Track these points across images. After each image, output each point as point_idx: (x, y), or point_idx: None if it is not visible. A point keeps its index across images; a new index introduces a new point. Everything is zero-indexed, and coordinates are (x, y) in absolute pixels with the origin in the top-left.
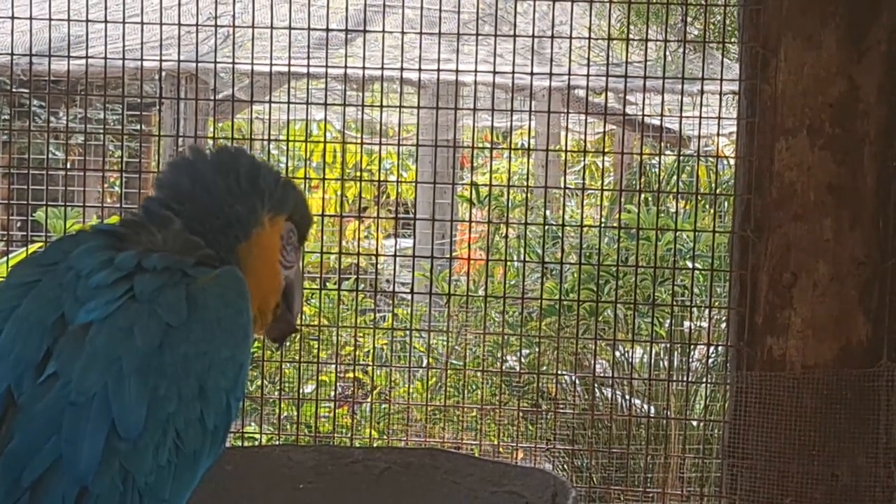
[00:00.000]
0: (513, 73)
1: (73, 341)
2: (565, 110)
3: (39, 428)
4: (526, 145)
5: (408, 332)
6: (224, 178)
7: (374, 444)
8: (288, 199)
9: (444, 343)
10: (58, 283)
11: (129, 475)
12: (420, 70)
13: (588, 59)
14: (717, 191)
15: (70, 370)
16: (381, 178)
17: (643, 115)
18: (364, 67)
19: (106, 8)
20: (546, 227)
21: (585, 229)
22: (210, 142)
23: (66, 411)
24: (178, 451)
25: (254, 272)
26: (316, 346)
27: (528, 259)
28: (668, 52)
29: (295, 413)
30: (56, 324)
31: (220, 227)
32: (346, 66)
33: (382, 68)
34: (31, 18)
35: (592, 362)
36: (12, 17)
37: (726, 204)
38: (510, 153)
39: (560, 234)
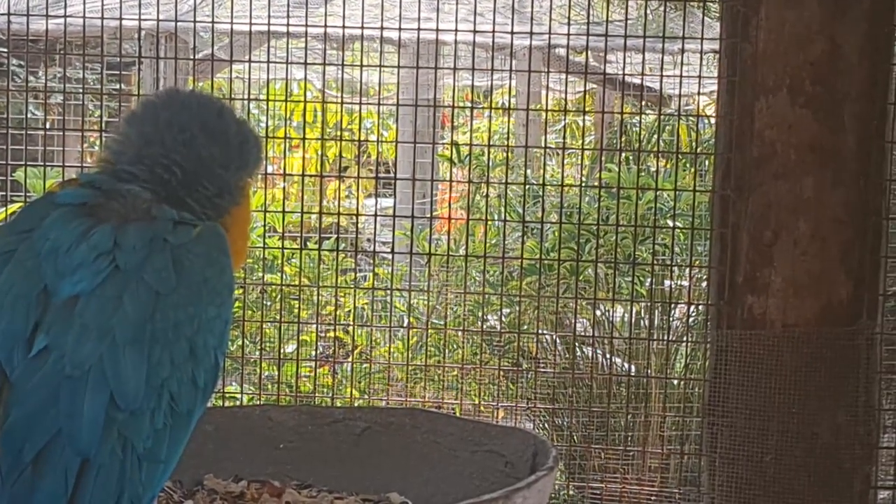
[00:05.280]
0: (493, 32)
1: (62, 314)
2: (546, 69)
3: (36, 402)
4: (507, 104)
5: (389, 292)
6: (215, 146)
7: (355, 404)
8: (260, 163)
9: (425, 302)
10: (35, 253)
11: (129, 442)
12: (400, 29)
13: (569, 18)
14: (698, 150)
15: (63, 343)
16: (362, 138)
17: (624, 75)
18: (344, 27)
19: None
20: (527, 187)
21: (566, 188)
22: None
23: (62, 385)
24: (173, 413)
25: (234, 236)
26: (297, 305)
27: (508, 218)
28: (648, 11)
29: (276, 373)
30: (40, 296)
31: (209, 196)
32: (325, 26)
33: (363, 27)
34: None
35: (573, 321)
36: None
37: (707, 163)
38: (491, 112)
39: (541, 194)
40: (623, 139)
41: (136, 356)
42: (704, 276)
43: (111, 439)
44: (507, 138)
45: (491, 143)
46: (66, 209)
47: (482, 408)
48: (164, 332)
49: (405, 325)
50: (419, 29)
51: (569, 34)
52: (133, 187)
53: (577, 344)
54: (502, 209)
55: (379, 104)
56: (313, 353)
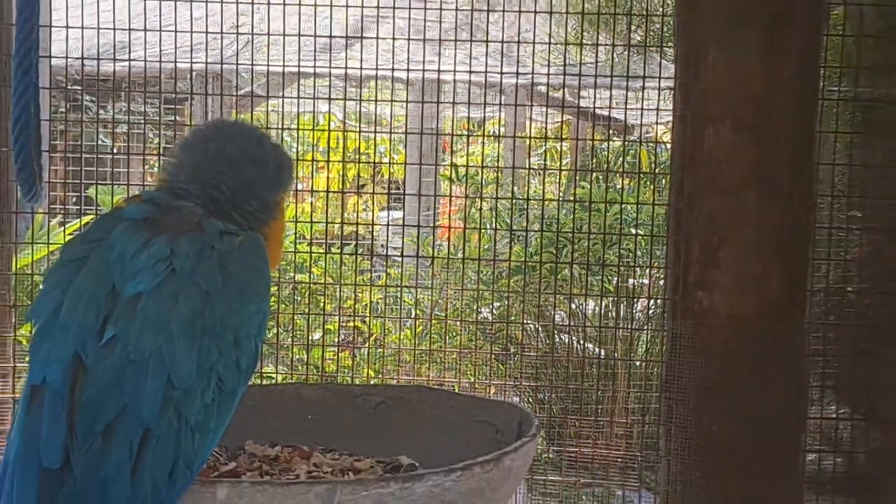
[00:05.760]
0: (486, 72)
1: (127, 309)
2: (530, 104)
3: (106, 383)
4: (497, 133)
5: (399, 289)
6: (256, 169)
7: (371, 382)
8: (292, 182)
9: (429, 297)
10: (105, 260)
11: (183, 416)
12: (408, 70)
13: (549, 60)
14: (657, 170)
15: (127, 334)
16: (376, 161)
17: (594, 108)
18: (361, 68)
19: (145, 18)
20: (513, 201)
21: (547, 203)
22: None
23: (127, 369)
24: (220, 391)
25: (271, 243)
26: (322, 300)
27: (498, 227)
28: (615, 55)
29: (305, 356)
30: (109, 295)
31: (251, 211)
32: (346, 67)
33: (377, 69)
34: (82, 28)
35: (552, 313)
36: (66, 27)
37: (664, 181)
38: (484, 139)
39: (525, 207)
40: (594, 161)
41: (189, 345)
42: (662, 276)
43: (168, 413)
44: (498, 161)
45: (484, 164)
46: (130, 223)
47: (476, 385)
48: (213, 325)
49: (412, 316)
50: (424, 70)
51: (549, 74)
52: (187, 203)
53: (555, 332)
54: (493, 220)
55: (391, 132)
56: (336, 339)
